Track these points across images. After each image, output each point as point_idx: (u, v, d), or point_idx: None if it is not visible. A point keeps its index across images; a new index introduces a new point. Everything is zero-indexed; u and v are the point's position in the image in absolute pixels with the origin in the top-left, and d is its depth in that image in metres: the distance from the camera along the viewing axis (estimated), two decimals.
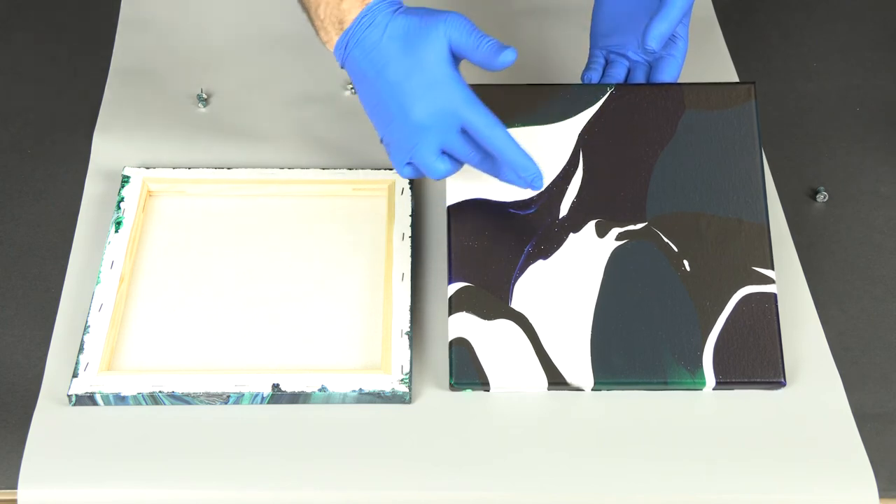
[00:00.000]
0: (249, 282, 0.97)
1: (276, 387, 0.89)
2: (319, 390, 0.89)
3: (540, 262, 0.94)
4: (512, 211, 0.96)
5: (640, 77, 1.04)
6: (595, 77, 1.05)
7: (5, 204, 1.05)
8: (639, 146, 0.98)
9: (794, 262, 1.01)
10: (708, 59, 1.19)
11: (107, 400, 0.89)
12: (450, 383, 0.90)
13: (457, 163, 0.92)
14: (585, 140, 0.99)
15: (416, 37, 0.88)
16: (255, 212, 1.03)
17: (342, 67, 0.92)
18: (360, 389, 0.89)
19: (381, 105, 0.90)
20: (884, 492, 0.86)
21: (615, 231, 0.95)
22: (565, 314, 0.92)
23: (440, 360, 0.93)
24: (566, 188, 0.97)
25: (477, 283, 0.93)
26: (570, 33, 1.20)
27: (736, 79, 1.18)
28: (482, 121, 0.88)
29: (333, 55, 0.92)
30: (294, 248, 1.00)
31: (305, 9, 0.92)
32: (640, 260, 0.94)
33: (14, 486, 0.85)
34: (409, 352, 0.91)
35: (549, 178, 0.97)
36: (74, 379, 0.89)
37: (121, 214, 1.00)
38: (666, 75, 1.01)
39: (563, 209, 0.96)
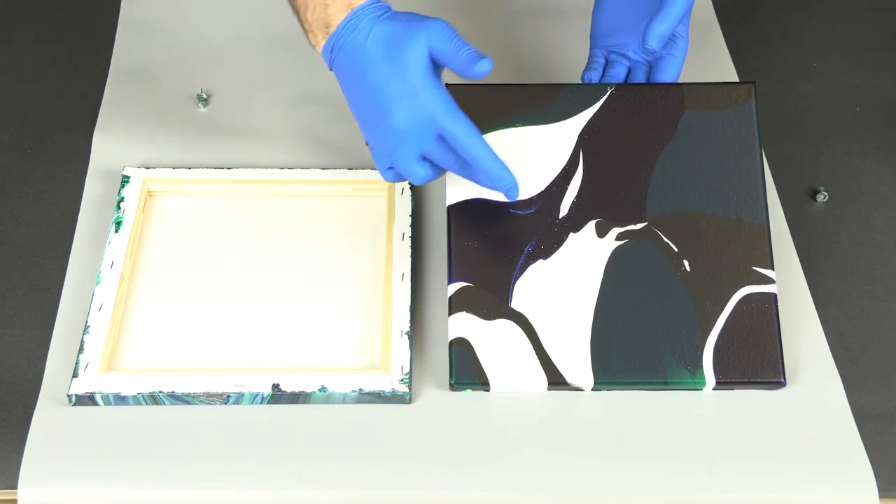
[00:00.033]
0: (249, 282, 0.97)
1: (276, 387, 0.89)
2: (319, 390, 0.89)
3: (540, 262, 0.94)
4: (512, 211, 0.96)
5: (640, 77, 1.04)
6: (595, 77, 1.05)
7: (5, 204, 1.05)
8: (639, 146, 0.98)
9: (794, 262, 1.01)
10: (708, 59, 1.19)
11: (107, 400, 0.89)
12: (450, 383, 0.90)
13: (437, 168, 0.92)
14: (585, 140, 0.99)
15: (397, 43, 0.88)
16: (255, 212, 1.03)
17: (331, 70, 0.93)
18: (360, 389, 0.89)
19: (365, 109, 0.91)
20: (884, 492, 0.86)
21: (615, 231, 0.95)
22: (565, 314, 0.92)
23: (440, 360, 0.93)
24: (566, 188, 0.97)
25: (477, 283, 0.93)
26: (570, 33, 1.20)
27: (736, 79, 1.18)
28: (459, 129, 0.88)
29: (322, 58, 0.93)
30: (294, 248, 1.00)
31: (295, 11, 0.93)
32: (640, 260, 0.94)
33: (14, 486, 0.85)
34: (409, 352, 0.91)
35: (549, 178, 0.97)
36: (74, 379, 0.89)
37: (121, 214, 1.00)
38: (666, 75, 1.01)
39: (563, 209, 0.96)
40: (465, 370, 0.90)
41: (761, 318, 0.92)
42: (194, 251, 1.00)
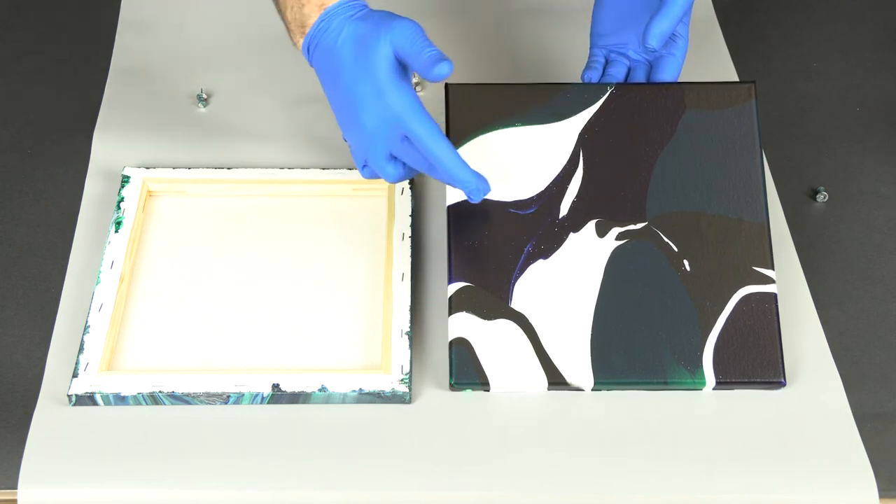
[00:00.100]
0: (249, 282, 0.97)
1: (276, 387, 0.89)
2: (319, 390, 0.89)
3: (540, 261, 0.94)
4: (512, 211, 0.96)
5: (640, 76, 1.04)
6: (595, 76, 1.05)
7: (5, 204, 1.05)
8: (639, 146, 0.98)
9: (794, 262, 1.01)
10: (708, 59, 1.19)
11: (107, 400, 0.89)
12: (450, 383, 0.90)
13: (409, 168, 0.93)
14: (585, 139, 0.99)
15: (365, 44, 0.89)
16: (255, 212, 1.03)
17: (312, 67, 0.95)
18: (360, 389, 0.89)
19: (339, 108, 0.93)
20: (884, 492, 0.86)
21: (615, 231, 0.95)
22: (565, 314, 0.92)
23: (440, 360, 0.93)
24: (566, 188, 0.97)
25: (477, 283, 0.93)
26: (569, 33, 1.20)
27: (736, 79, 1.18)
28: (422, 131, 0.88)
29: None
30: (294, 248, 1.00)
31: (279, 11, 0.95)
32: (640, 260, 0.94)
33: (14, 486, 0.85)
34: (409, 352, 0.91)
35: (549, 177, 0.97)
36: (74, 379, 0.89)
37: (121, 214, 1.00)
38: (666, 74, 1.01)
39: (563, 209, 0.96)
40: (465, 370, 0.90)
41: (761, 318, 0.92)
42: (194, 251, 1.00)
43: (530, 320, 0.92)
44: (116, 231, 0.98)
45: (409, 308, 0.94)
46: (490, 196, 0.96)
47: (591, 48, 1.07)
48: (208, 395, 0.89)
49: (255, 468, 0.86)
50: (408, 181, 1.03)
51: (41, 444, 0.86)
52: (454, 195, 0.97)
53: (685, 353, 0.91)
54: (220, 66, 1.17)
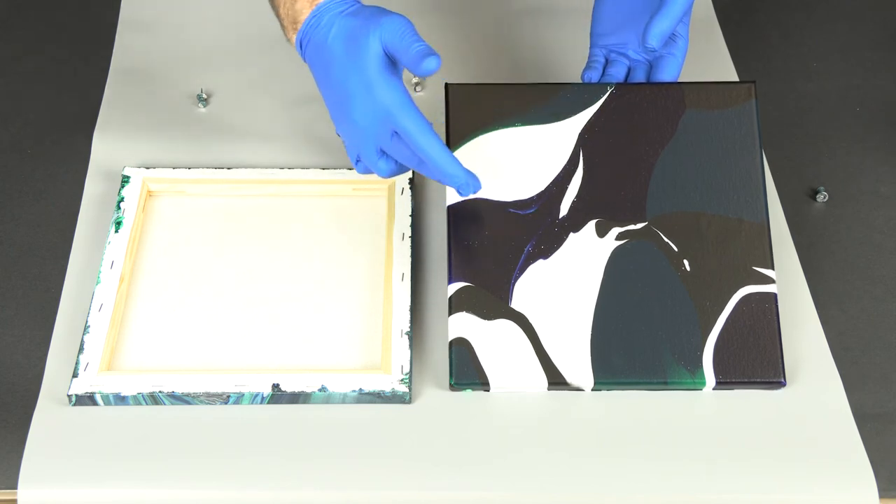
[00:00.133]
0: (249, 282, 0.97)
1: (276, 387, 0.89)
2: (319, 390, 0.89)
3: (540, 261, 0.94)
4: (512, 211, 0.96)
5: (640, 76, 1.04)
6: (595, 76, 1.05)
7: (5, 204, 1.05)
8: (639, 146, 0.98)
9: (794, 262, 1.01)
10: (708, 59, 1.19)
11: (107, 400, 0.89)
12: (450, 383, 0.90)
13: (400, 163, 0.93)
14: (585, 139, 0.99)
15: (355, 39, 0.90)
16: (255, 212, 1.03)
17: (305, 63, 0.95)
18: (360, 389, 0.89)
19: (331, 103, 0.93)
20: (884, 492, 0.86)
21: (615, 231, 0.95)
22: (565, 314, 0.92)
23: (440, 360, 0.93)
24: (566, 188, 0.97)
25: (477, 283, 0.93)
26: (569, 33, 1.20)
27: (736, 79, 1.18)
28: (411, 126, 0.88)
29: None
30: (294, 248, 1.00)
31: (273, 8, 0.96)
32: (640, 260, 0.94)
33: (14, 486, 0.85)
34: (409, 352, 0.91)
35: (549, 177, 0.97)
36: (74, 379, 0.89)
37: (121, 214, 1.00)
38: (666, 74, 1.01)
39: (563, 209, 0.96)
40: (465, 370, 0.90)
41: (761, 317, 0.92)
42: (194, 251, 1.00)
43: (530, 320, 0.92)
44: (116, 231, 0.98)
45: (409, 308, 0.94)
46: (490, 196, 0.96)
47: (591, 48, 1.07)
48: (208, 395, 0.89)
49: (255, 468, 0.86)
50: (408, 181, 1.03)
51: (41, 444, 0.86)
52: (454, 195, 0.97)
53: (685, 353, 0.91)
54: (220, 66, 1.17)
